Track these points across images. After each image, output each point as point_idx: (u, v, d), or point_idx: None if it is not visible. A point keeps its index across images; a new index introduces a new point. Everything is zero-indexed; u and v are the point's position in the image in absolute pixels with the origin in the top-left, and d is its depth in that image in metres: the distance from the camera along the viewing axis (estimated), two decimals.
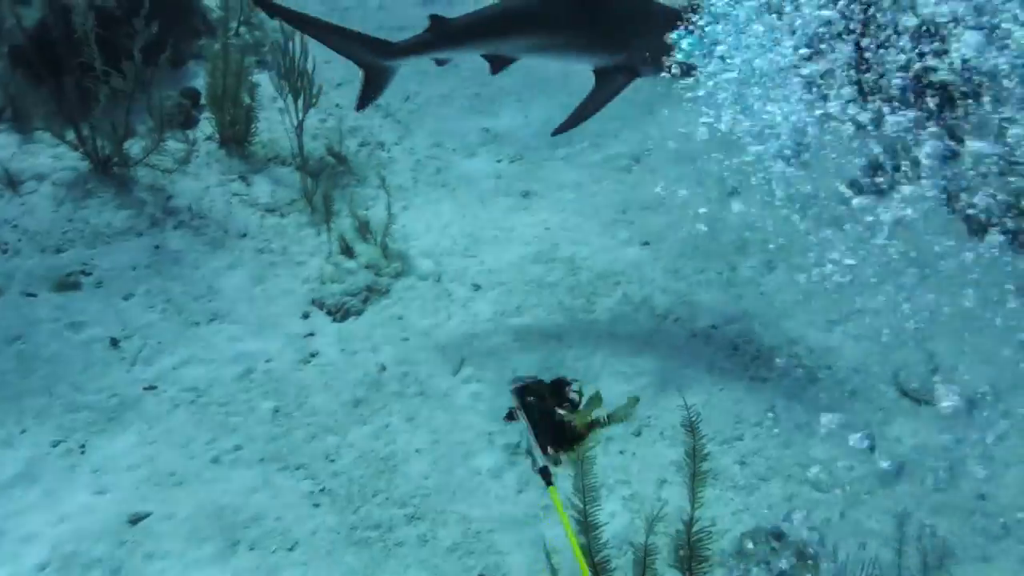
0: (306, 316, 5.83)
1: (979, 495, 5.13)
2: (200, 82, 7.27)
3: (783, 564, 4.21)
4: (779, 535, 4.35)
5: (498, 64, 5.72)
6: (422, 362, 5.54)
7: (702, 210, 7.31)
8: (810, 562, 4.24)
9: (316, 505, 4.48)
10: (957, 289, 6.68)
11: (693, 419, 3.33)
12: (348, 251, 6.21)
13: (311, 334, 5.72)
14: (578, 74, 9.28)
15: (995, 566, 4.68)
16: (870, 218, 7.41)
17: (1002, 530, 4.91)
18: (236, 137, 7.10)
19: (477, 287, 6.32)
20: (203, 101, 7.28)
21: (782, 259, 6.93)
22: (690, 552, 3.43)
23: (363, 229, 6.35)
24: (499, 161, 8.15)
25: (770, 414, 5.59)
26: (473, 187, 7.65)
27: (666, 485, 4.85)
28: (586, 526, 3.38)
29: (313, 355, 5.53)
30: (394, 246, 6.42)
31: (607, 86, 5.44)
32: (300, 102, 6.92)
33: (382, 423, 5.03)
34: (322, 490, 4.56)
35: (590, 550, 3.39)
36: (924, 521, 4.69)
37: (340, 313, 5.83)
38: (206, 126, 7.23)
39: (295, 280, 6.09)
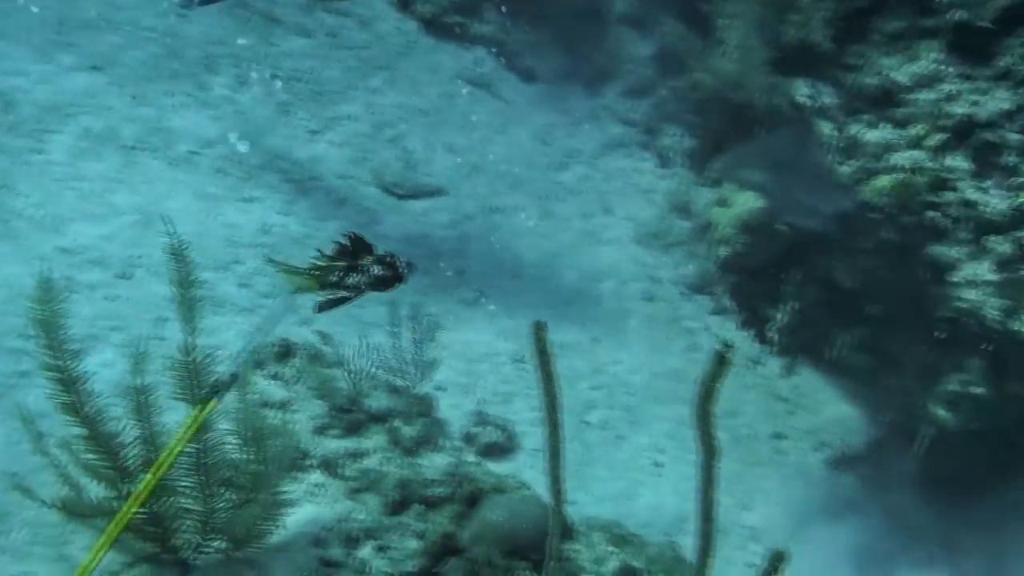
0: None
1: (459, 271, 5.76)
2: None
3: (293, 369, 4.28)
4: (287, 344, 4.38)
5: None
6: None
7: (155, 25, 6.58)
8: (319, 360, 4.39)
9: None
10: (419, 88, 7.15)
11: (181, 248, 3.05)
12: None
13: None
14: None
15: (471, 325, 5.36)
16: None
17: (475, 295, 5.61)
18: None
19: None
20: None
21: (253, 73, 6.64)
22: (192, 380, 3.23)
23: None
24: None
25: (265, 233, 5.50)
26: None
27: (167, 323, 4.53)
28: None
29: None
30: None
31: None
32: None
33: None
34: None
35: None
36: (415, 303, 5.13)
37: None
38: None
39: None
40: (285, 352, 4.38)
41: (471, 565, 2.72)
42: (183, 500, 3.14)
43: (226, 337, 4.51)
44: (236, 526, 3.30)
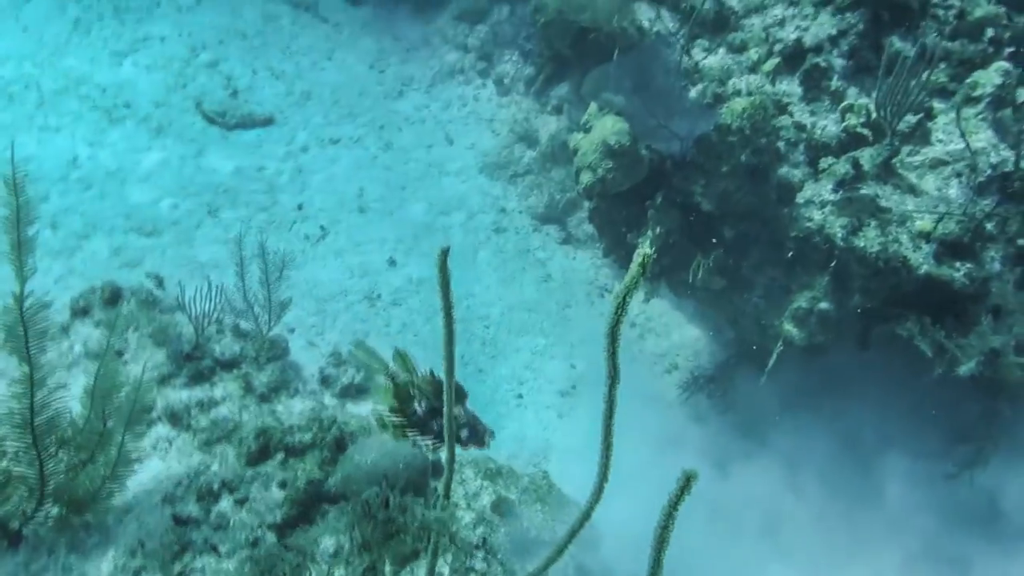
0: None
1: (297, 205, 5.36)
2: None
3: (124, 316, 3.81)
4: (115, 288, 3.89)
5: None
6: None
7: None
8: (153, 305, 3.94)
9: None
10: (237, 8, 6.52)
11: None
12: None
13: None
14: None
15: (318, 263, 5.04)
16: None
17: (319, 232, 5.27)
18: None
19: None
20: None
21: None
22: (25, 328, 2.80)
23: None
24: None
25: (75, 166, 4.85)
26: None
27: None
28: None
29: None
30: None
31: None
32: None
33: None
34: None
35: None
36: (258, 240, 4.72)
37: None
38: None
39: None
40: (113, 297, 3.89)
41: (365, 506, 2.52)
42: (10, 464, 2.71)
43: (40, 284, 3.94)
44: (73, 490, 2.90)
